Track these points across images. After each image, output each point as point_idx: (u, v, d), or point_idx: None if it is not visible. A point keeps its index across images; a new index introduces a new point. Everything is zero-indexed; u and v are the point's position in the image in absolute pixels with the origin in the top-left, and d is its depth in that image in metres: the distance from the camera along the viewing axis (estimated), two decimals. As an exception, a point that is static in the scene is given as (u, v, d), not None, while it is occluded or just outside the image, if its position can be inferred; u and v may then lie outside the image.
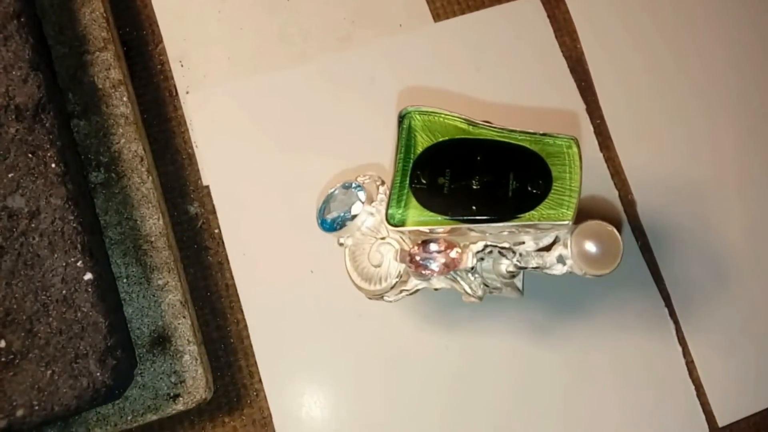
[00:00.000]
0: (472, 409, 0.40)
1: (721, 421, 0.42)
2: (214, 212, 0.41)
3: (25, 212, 0.32)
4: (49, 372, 0.31)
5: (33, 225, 0.32)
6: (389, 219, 0.32)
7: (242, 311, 0.40)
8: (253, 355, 0.40)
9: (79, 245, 0.32)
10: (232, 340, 0.40)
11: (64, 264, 0.32)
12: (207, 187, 0.42)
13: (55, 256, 0.32)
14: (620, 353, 0.42)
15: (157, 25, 0.44)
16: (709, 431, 0.41)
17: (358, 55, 0.44)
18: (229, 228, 0.41)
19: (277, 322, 0.40)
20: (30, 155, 0.33)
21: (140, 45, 0.43)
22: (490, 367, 0.41)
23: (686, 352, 0.42)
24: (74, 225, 0.33)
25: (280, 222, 0.41)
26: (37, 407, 0.31)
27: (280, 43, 0.44)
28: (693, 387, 0.42)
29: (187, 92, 0.43)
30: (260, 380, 0.40)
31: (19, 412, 0.30)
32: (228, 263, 0.41)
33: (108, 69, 0.39)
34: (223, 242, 0.41)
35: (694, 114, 0.45)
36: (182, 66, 0.43)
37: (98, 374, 0.31)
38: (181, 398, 0.36)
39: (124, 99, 0.39)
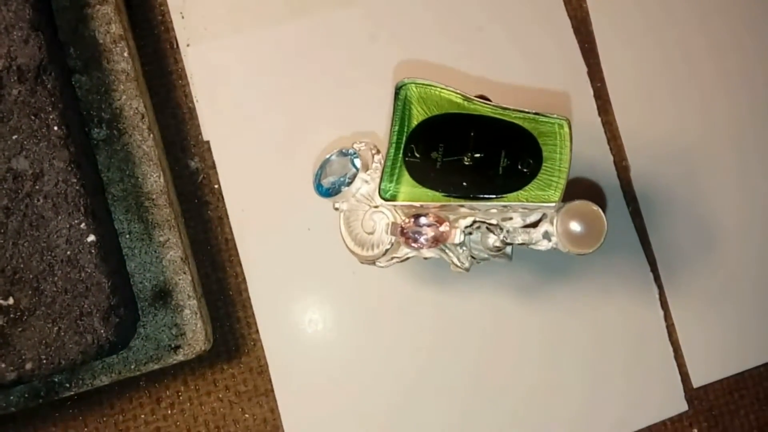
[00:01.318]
0: (454, 364, 0.42)
1: (696, 383, 0.44)
2: (214, 167, 0.42)
3: (29, 174, 0.33)
4: (55, 328, 0.33)
5: (37, 187, 0.33)
6: (381, 193, 0.33)
7: (241, 265, 0.42)
8: (251, 307, 0.42)
9: (82, 207, 0.34)
10: (230, 292, 0.42)
11: (67, 226, 0.33)
12: (207, 142, 0.42)
13: (59, 217, 0.33)
14: (603, 315, 0.43)
15: (158, -25, 0.43)
16: (684, 391, 0.43)
17: (360, 10, 0.44)
18: (228, 184, 0.42)
19: (274, 277, 0.42)
20: (33, 117, 0.34)
21: (141, -5, 0.43)
22: (474, 324, 0.42)
23: (667, 316, 0.44)
24: (77, 188, 0.34)
25: (280, 179, 0.42)
26: (44, 361, 0.33)
27: (282, -4, 0.44)
28: (671, 349, 0.44)
29: (188, 45, 0.43)
30: (257, 331, 0.41)
31: (28, 365, 0.32)
32: (227, 218, 0.42)
33: (108, 23, 0.39)
34: (222, 197, 0.42)
35: (694, 83, 0.45)
36: (183, 18, 0.43)
37: (102, 331, 0.33)
38: (181, 349, 0.38)
39: (125, 54, 0.39)
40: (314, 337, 0.42)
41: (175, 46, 0.43)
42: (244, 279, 0.42)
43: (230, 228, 0.42)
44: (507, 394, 0.42)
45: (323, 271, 0.42)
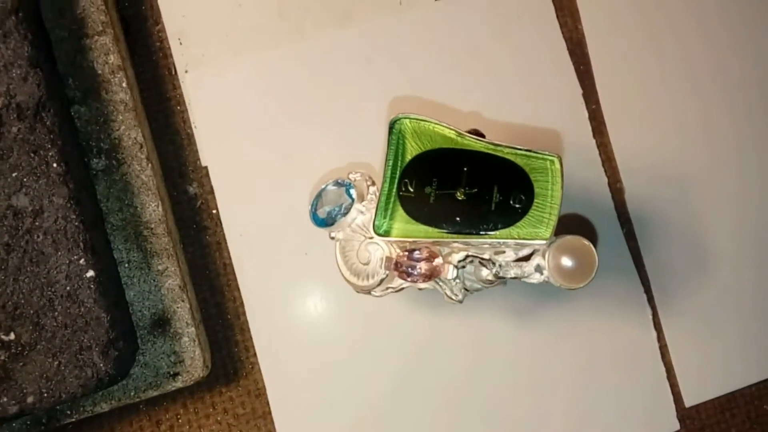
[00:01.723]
0: (448, 385, 0.43)
1: (688, 402, 0.44)
2: (212, 193, 0.43)
3: (29, 211, 0.34)
4: (56, 363, 0.34)
5: (37, 223, 0.34)
6: (375, 229, 0.34)
7: (239, 289, 0.42)
8: (249, 331, 0.42)
9: (81, 243, 0.34)
10: (229, 316, 0.42)
11: (67, 261, 0.34)
12: (206, 167, 0.43)
13: (59, 253, 0.34)
14: (597, 335, 0.44)
15: (156, 1, 0.43)
16: (676, 410, 0.44)
17: (357, 33, 0.44)
18: (226, 209, 0.43)
19: (272, 301, 0.42)
20: (32, 154, 0.34)
21: (139, 21, 0.43)
22: (469, 346, 0.43)
23: (660, 337, 0.44)
24: (76, 224, 0.34)
25: (277, 204, 0.43)
26: (45, 395, 0.33)
27: (279, 20, 0.44)
28: (664, 369, 0.44)
29: (186, 71, 0.43)
30: (255, 354, 0.42)
31: (30, 399, 0.33)
32: (225, 243, 0.43)
33: (107, 54, 0.39)
34: (221, 222, 0.43)
35: (689, 106, 0.46)
36: (181, 44, 0.43)
37: (101, 365, 0.34)
38: (180, 376, 0.38)
39: (123, 85, 0.39)
40: (311, 360, 0.42)
41: (173, 72, 0.43)
42: (242, 303, 0.42)
43: (228, 253, 0.43)
44: (503, 410, 0.43)
45: (320, 296, 0.43)
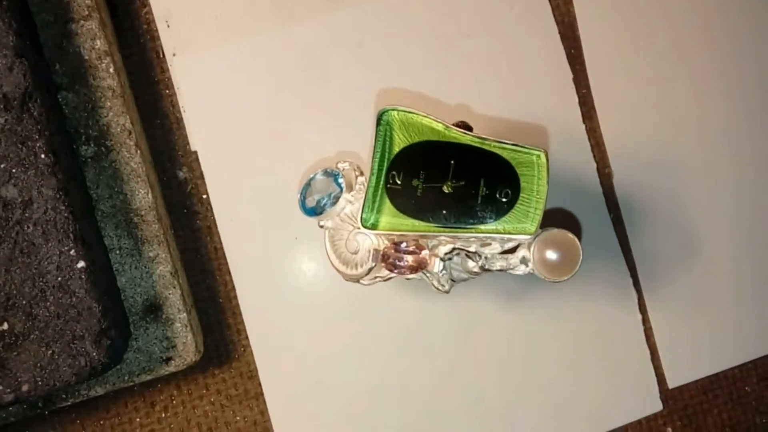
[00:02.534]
0: (437, 365, 0.43)
1: (671, 383, 0.45)
2: (202, 178, 0.43)
3: (18, 202, 0.34)
4: (49, 352, 0.34)
5: (27, 214, 0.34)
6: (363, 222, 0.34)
7: (230, 273, 0.43)
8: (240, 314, 0.43)
9: (71, 234, 0.34)
10: (220, 300, 0.43)
11: (58, 252, 0.34)
12: (195, 152, 0.43)
13: (50, 244, 0.34)
14: (584, 319, 0.44)
15: (143, -18, 0.43)
16: (660, 392, 0.45)
17: (347, 17, 0.44)
18: (216, 194, 0.43)
19: (263, 285, 0.43)
20: (20, 145, 0.34)
21: (126, 2, 0.43)
22: (459, 327, 0.44)
23: (645, 320, 0.45)
24: (66, 215, 0.34)
25: (267, 189, 0.43)
26: (40, 383, 0.34)
27: (269, 3, 0.43)
28: (648, 352, 0.45)
29: (174, 54, 0.43)
30: (247, 337, 0.43)
31: (24, 387, 0.34)
32: (216, 228, 0.43)
33: (93, 39, 0.39)
34: (211, 207, 0.43)
35: (681, 92, 0.46)
36: (168, 27, 0.43)
37: (94, 354, 0.34)
38: (173, 361, 0.39)
39: (111, 70, 0.39)
40: (302, 342, 0.43)
41: (161, 56, 0.43)
42: (234, 287, 0.43)
43: (219, 237, 0.43)
44: (490, 392, 0.44)
45: (310, 279, 0.43)
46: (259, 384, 0.43)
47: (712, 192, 0.45)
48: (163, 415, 0.42)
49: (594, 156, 0.45)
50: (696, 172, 0.45)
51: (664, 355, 0.45)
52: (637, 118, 0.45)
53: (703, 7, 0.46)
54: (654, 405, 0.45)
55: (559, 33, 0.45)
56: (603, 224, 0.45)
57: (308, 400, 0.43)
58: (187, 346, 0.39)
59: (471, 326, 0.44)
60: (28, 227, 0.34)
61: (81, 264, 0.35)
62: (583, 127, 0.45)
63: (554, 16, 0.45)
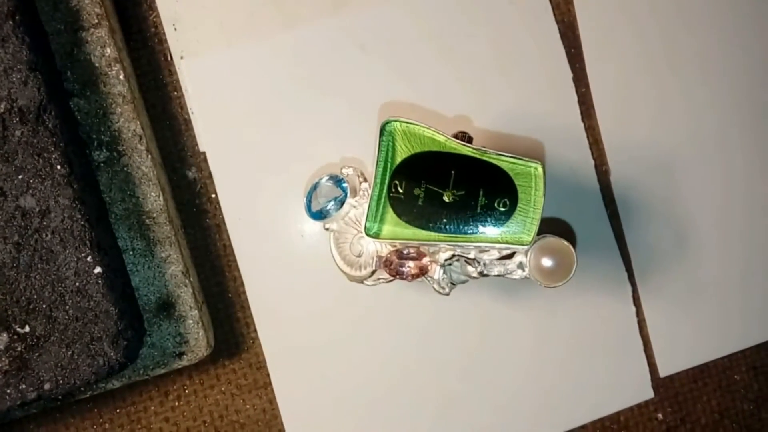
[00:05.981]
0: (443, 356, 0.45)
1: (663, 372, 0.47)
2: (210, 178, 0.44)
3: (36, 211, 0.36)
4: (69, 352, 0.36)
5: (45, 223, 0.36)
6: (366, 231, 0.36)
7: (239, 269, 0.45)
8: (249, 308, 0.45)
9: (88, 241, 0.36)
10: (230, 295, 0.45)
11: (75, 259, 0.36)
12: (204, 153, 0.44)
13: (67, 251, 0.36)
14: (580, 310, 0.46)
15: (150, -15, 0.44)
16: (651, 380, 0.47)
17: (350, 20, 0.45)
18: (225, 194, 0.44)
19: (270, 280, 0.45)
20: (36, 157, 0.36)
21: (133, 6, 0.44)
22: (462, 320, 0.45)
23: (639, 312, 0.47)
24: (82, 223, 0.36)
25: (274, 189, 0.44)
26: (61, 382, 0.36)
27: (273, 6, 0.44)
28: (641, 342, 0.47)
29: (182, 57, 0.44)
30: (255, 330, 0.45)
31: (46, 386, 0.36)
32: (225, 226, 0.44)
33: (103, 47, 0.40)
34: (220, 206, 0.44)
35: (677, 90, 0.46)
36: (176, 30, 0.44)
37: (112, 354, 0.36)
38: (185, 355, 0.41)
39: (121, 77, 0.40)
40: (308, 334, 0.45)
41: (169, 58, 0.44)
42: (243, 282, 0.45)
43: (228, 235, 0.44)
44: (485, 380, 0.46)
45: (316, 274, 0.45)
46: (268, 374, 0.45)
47: (704, 190, 0.47)
48: (177, 403, 0.44)
49: (592, 153, 0.46)
50: (689, 170, 0.47)
51: (656, 345, 0.47)
52: (634, 117, 0.46)
53: (700, 8, 0.47)
54: (646, 393, 0.47)
55: (560, 32, 0.46)
56: (600, 219, 0.46)
57: (314, 389, 0.45)
58: (198, 341, 0.41)
59: (472, 319, 0.45)
60: (47, 235, 0.36)
61: (98, 270, 0.36)
62: (582, 125, 0.46)
63: (554, 15, 0.46)
